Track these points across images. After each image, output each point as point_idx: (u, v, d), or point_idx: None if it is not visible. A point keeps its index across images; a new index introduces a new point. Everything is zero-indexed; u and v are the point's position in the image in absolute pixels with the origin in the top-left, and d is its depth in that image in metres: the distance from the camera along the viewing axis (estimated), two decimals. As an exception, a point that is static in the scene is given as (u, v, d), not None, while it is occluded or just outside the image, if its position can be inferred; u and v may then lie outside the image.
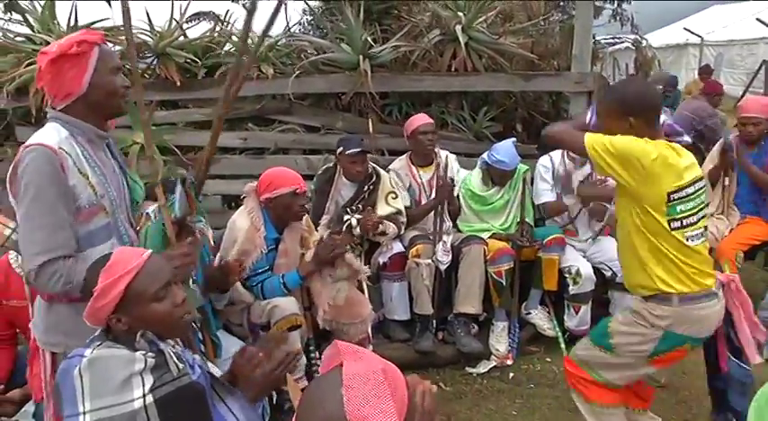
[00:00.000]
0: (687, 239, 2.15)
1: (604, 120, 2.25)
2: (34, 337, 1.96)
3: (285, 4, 3.50)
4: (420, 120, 3.70)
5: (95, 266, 1.57)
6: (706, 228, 2.27)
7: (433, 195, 3.70)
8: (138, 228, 2.05)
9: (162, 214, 2.05)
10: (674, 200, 2.11)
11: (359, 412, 0.93)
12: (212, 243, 2.31)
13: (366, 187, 3.56)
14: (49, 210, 1.73)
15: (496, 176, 3.68)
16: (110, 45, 1.91)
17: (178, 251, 1.96)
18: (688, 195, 2.14)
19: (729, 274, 2.43)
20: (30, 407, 2.33)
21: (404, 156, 3.84)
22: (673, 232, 2.14)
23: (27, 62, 3.93)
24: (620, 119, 2.17)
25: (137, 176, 2.08)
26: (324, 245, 2.94)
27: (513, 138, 3.73)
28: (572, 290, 3.60)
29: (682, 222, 2.14)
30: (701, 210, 2.21)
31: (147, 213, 2.12)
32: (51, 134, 1.80)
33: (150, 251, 1.63)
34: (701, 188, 2.21)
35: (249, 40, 4.28)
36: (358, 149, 3.47)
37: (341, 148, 3.51)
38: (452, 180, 3.72)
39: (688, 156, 2.20)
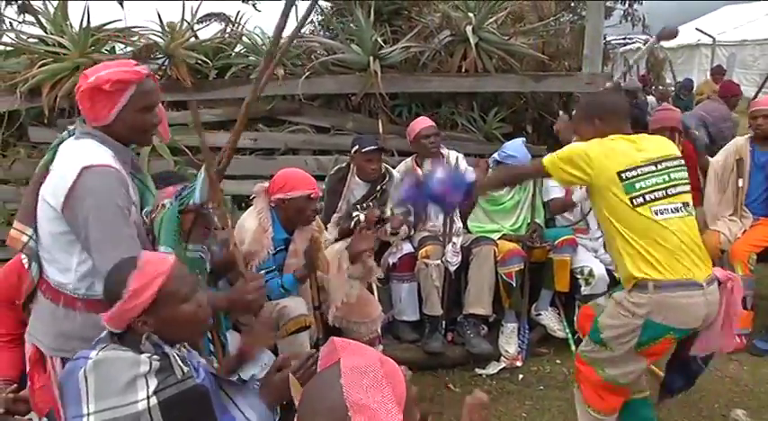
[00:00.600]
0: (656, 213, 2.25)
1: (577, 126, 2.62)
2: (35, 348, 1.96)
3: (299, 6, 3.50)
4: (421, 123, 3.69)
5: (120, 270, 1.58)
6: (686, 204, 2.34)
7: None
8: (153, 216, 2.07)
9: (176, 203, 2.07)
10: (627, 178, 2.27)
11: (359, 400, 0.96)
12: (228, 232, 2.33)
13: (379, 187, 3.56)
14: (128, 223, 1.80)
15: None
16: (153, 81, 1.93)
17: (251, 285, 2.02)
18: (643, 174, 2.28)
19: (730, 273, 2.45)
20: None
21: (409, 158, 3.83)
22: (637, 209, 2.25)
23: (40, 63, 3.96)
24: (588, 121, 2.48)
25: (150, 181, 2.09)
26: (311, 249, 2.92)
27: (523, 138, 3.72)
28: (584, 290, 3.59)
29: (644, 198, 2.26)
30: (673, 186, 2.31)
31: (164, 204, 2.13)
32: (101, 153, 1.83)
33: (174, 255, 1.66)
34: (670, 167, 2.34)
35: (261, 41, 4.32)
36: (374, 147, 3.47)
37: (356, 147, 3.50)
38: None
39: (650, 141, 2.43)
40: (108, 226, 1.75)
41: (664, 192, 2.29)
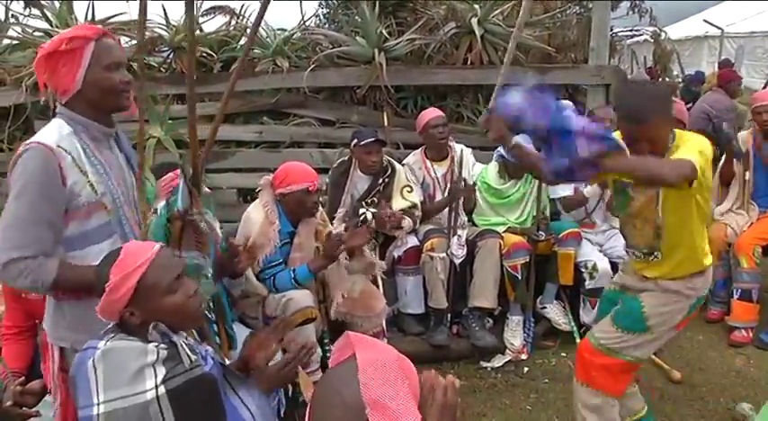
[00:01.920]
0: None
1: (642, 125, 2.16)
2: (45, 333, 1.98)
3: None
4: (430, 114, 3.69)
5: (106, 262, 1.57)
6: None
7: (447, 190, 3.69)
8: (147, 223, 2.06)
9: (165, 210, 2.05)
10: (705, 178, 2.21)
11: (376, 397, 0.94)
12: (219, 235, 2.30)
13: (381, 180, 3.56)
14: (28, 208, 1.73)
15: (513, 169, 3.65)
16: (111, 39, 1.86)
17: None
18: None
19: None
20: (50, 397, 2.36)
21: (418, 150, 3.83)
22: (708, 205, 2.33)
23: (45, 57, 3.97)
24: (651, 119, 2.15)
25: (150, 175, 2.08)
26: (331, 240, 2.94)
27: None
28: (588, 284, 3.58)
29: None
30: None
31: (157, 209, 2.12)
32: (52, 132, 1.80)
33: (160, 244, 1.64)
34: None
35: (266, 34, 4.32)
36: (372, 139, 3.47)
37: (355, 141, 3.51)
38: (474, 184, 3.71)
39: None
40: (12, 207, 1.73)
41: None
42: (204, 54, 4.17)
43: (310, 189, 2.90)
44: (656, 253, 2.36)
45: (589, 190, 3.65)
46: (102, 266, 1.58)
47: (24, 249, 1.71)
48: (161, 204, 2.08)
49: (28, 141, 1.77)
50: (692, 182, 2.04)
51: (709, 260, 2.40)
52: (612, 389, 2.45)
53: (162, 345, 1.54)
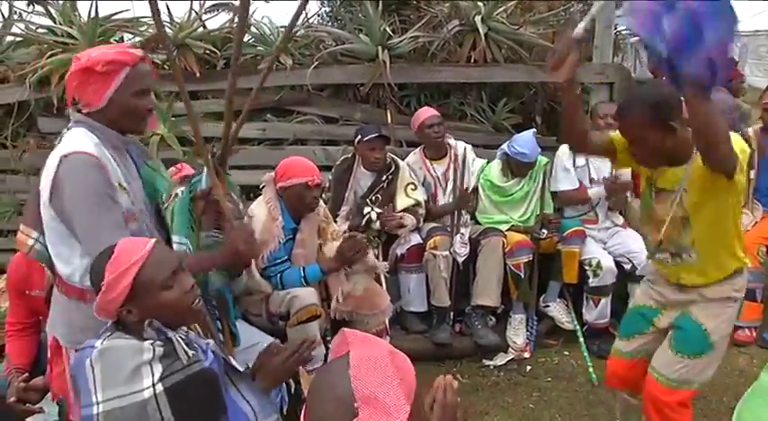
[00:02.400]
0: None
1: (655, 133, 2.05)
2: (54, 338, 1.97)
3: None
4: (424, 113, 3.68)
5: (100, 260, 1.57)
6: None
7: (450, 188, 3.69)
8: (166, 206, 2.07)
9: (186, 192, 2.07)
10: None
11: (367, 392, 0.96)
12: (242, 214, 2.34)
13: (385, 177, 3.56)
14: (112, 208, 1.76)
15: (516, 167, 3.65)
16: (147, 65, 1.89)
17: (241, 233, 2.02)
18: None
19: None
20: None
21: (417, 150, 3.82)
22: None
23: (49, 53, 3.97)
24: (666, 126, 2.03)
25: (163, 170, 2.08)
26: (349, 244, 2.94)
27: (534, 130, 3.70)
28: (592, 282, 3.58)
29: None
30: None
31: (177, 193, 2.14)
32: (85, 141, 1.81)
33: (155, 240, 1.63)
34: None
35: (269, 31, 4.31)
36: (376, 134, 3.46)
37: (359, 137, 3.51)
38: (475, 189, 3.73)
39: None
40: (87, 214, 1.73)
41: None
42: (207, 51, 4.16)
43: (310, 183, 2.90)
44: (686, 254, 2.21)
45: (594, 191, 3.64)
46: (95, 265, 1.58)
47: None
48: (181, 188, 2.10)
49: (64, 152, 1.76)
50: (732, 175, 1.98)
51: (745, 258, 2.27)
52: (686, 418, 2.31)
53: (158, 343, 1.53)
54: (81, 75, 1.81)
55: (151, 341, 1.53)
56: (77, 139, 1.81)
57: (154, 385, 1.47)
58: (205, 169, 2.11)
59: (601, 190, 3.63)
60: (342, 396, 0.97)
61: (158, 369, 1.49)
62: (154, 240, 1.62)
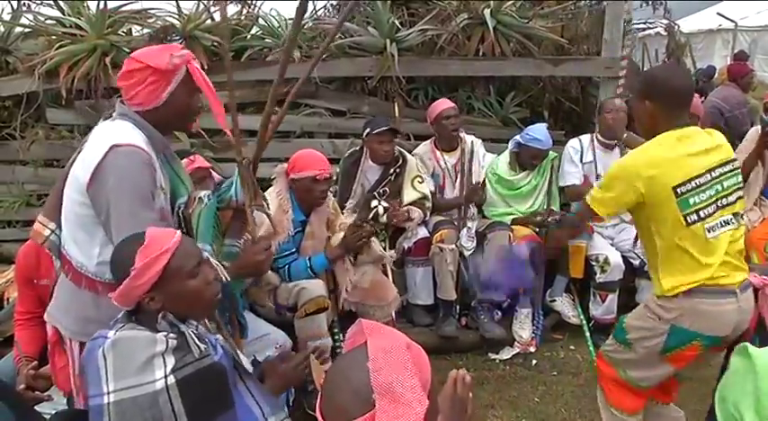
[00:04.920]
0: (707, 232, 2.08)
1: (633, 103, 2.33)
2: (55, 330, 1.98)
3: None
4: (442, 104, 3.68)
5: (126, 247, 1.57)
6: (736, 213, 2.16)
7: (458, 180, 3.69)
8: (190, 210, 2.07)
9: (214, 198, 2.07)
10: (682, 193, 2.05)
11: (385, 384, 0.96)
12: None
13: (392, 170, 3.56)
14: (151, 207, 1.78)
15: (527, 158, 3.65)
16: (195, 64, 1.90)
17: (258, 246, 2.05)
18: (699, 185, 2.07)
19: (766, 278, 2.29)
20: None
21: (428, 141, 3.82)
22: (690, 227, 2.07)
23: (58, 45, 3.97)
24: (641, 101, 2.18)
25: (184, 172, 2.09)
26: (353, 232, 2.95)
27: (545, 123, 3.70)
28: (599, 278, 3.57)
29: (699, 215, 2.08)
30: (725, 196, 2.12)
31: (200, 197, 2.14)
32: (134, 135, 1.82)
33: (179, 231, 1.65)
34: (724, 173, 2.12)
35: (277, 23, 4.31)
36: (386, 127, 3.46)
37: (368, 129, 3.50)
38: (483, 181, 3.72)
39: (708, 140, 2.15)
40: (128, 207, 1.74)
41: (715, 205, 2.10)
42: (215, 43, 4.16)
43: (318, 177, 2.91)
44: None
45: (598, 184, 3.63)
46: (122, 252, 1.58)
47: None
48: (204, 193, 2.10)
49: (116, 143, 1.76)
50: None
51: (686, 281, 2.11)
52: (620, 404, 2.37)
53: (171, 335, 1.54)
54: (139, 73, 1.83)
55: (164, 333, 1.54)
56: (127, 132, 1.82)
57: (166, 376, 1.48)
58: (237, 179, 2.12)
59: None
60: (359, 387, 0.97)
61: (171, 361, 1.50)
62: (179, 232, 1.64)
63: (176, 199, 2.01)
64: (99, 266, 1.83)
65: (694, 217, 2.08)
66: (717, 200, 2.11)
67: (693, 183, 2.07)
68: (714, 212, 2.10)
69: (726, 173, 2.14)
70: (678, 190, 2.05)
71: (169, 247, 1.55)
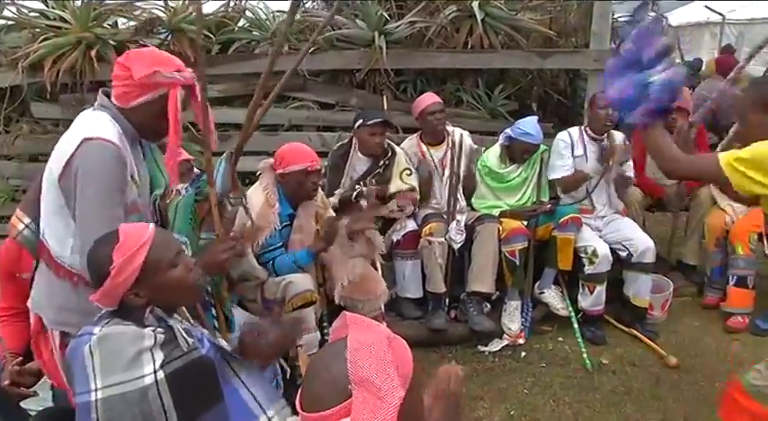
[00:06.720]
0: None
1: (747, 116, 2.10)
2: (38, 319, 1.97)
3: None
4: (428, 99, 3.66)
5: (100, 249, 1.55)
6: None
7: (447, 174, 3.69)
8: (167, 201, 2.06)
9: (192, 190, 2.06)
10: None
11: (361, 375, 0.97)
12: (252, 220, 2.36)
13: (381, 162, 3.54)
14: (116, 203, 1.76)
15: (518, 152, 3.65)
16: (182, 91, 1.87)
17: (222, 245, 2.01)
18: None
19: None
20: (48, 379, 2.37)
21: (414, 135, 3.80)
22: None
23: (42, 38, 3.93)
24: (764, 113, 2.03)
25: (163, 163, 2.07)
26: (330, 224, 2.93)
27: (536, 116, 3.70)
28: (588, 270, 3.59)
29: None
30: None
31: (179, 190, 2.13)
32: (109, 128, 1.80)
33: (152, 224, 1.63)
34: None
35: (264, 16, 4.28)
36: (380, 119, 3.45)
37: (360, 121, 3.48)
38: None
39: None
40: (92, 201, 1.73)
41: None
42: (202, 36, 4.12)
43: (309, 169, 2.89)
44: None
45: (590, 166, 3.64)
46: (97, 252, 1.56)
47: None
48: (182, 185, 2.09)
49: (87, 136, 1.75)
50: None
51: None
52: None
53: (159, 329, 1.53)
54: (121, 71, 1.81)
55: (152, 328, 1.53)
56: (102, 125, 1.80)
57: (155, 371, 1.47)
58: (221, 171, 2.10)
59: (596, 165, 3.63)
60: (336, 377, 0.99)
61: (159, 356, 1.49)
62: (152, 224, 1.63)
63: (155, 188, 2.00)
64: (74, 258, 1.82)
65: None
66: None
67: None
68: None
69: None
70: None
71: (145, 241, 1.53)
